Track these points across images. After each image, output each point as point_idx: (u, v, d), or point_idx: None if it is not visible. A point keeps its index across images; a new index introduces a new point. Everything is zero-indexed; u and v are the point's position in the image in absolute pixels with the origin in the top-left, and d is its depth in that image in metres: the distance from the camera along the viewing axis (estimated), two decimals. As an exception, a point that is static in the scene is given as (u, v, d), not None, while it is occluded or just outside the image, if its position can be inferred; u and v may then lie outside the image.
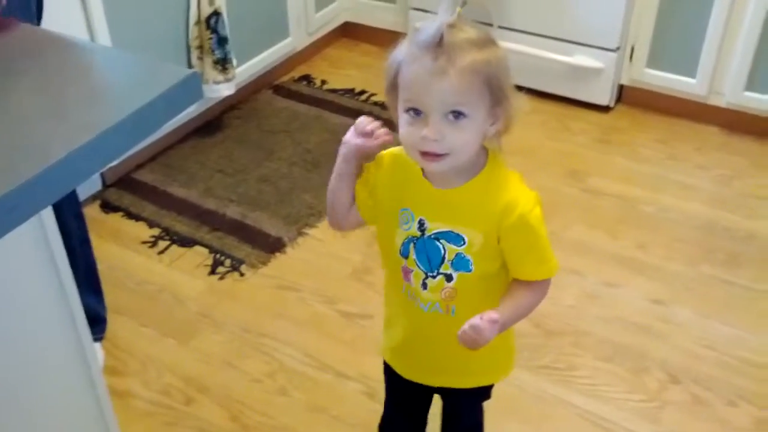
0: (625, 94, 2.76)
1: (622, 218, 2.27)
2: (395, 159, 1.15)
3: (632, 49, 2.62)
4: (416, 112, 1.02)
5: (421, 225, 1.12)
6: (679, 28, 2.51)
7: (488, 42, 1.03)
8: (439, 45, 0.99)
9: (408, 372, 1.30)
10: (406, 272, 1.16)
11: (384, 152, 1.16)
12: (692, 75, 2.55)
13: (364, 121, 1.13)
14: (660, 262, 2.11)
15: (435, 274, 1.13)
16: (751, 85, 2.48)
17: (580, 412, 1.72)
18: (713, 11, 2.42)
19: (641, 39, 2.59)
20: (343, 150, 1.16)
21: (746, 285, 2.04)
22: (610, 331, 1.92)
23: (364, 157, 1.16)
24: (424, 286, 1.15)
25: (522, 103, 1.06)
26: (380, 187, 1.16)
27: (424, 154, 1.04)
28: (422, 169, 1.11)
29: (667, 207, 2.31)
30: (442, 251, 1.11)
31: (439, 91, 1.00)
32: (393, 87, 1.06)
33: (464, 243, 1.10)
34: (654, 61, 2.61)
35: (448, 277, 1.13)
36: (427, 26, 1.01)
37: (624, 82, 2.70)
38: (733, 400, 1.74)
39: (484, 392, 1.36)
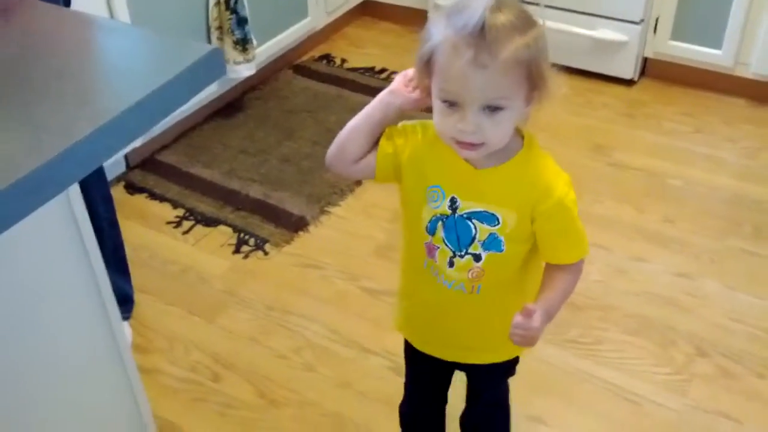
0: (649, 67, 2.72)
1: (648, 192, 2.25)
2: (431, 134, 1.10)
3: (656, 21, 2.58)
4: (452, 103, 0.99)
5: (453, 203, 1.09)
6: (705, -2, 2.47)
7: (529, 21, 0.98)
8: (480, 34, 0.94)
9: (425, 345, 1.29)
10: (431, 249, 1.14)
11: (421, 123, 1.12)
12: (718, 46, 2.51)
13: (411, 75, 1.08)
14: (686, 236, 2.09)
15: (463, 253, 1.11)
16: (778, 55, 2.43)
17: (607, 386, 1.71)
18: (739, -20, 2.38)
19: (665, 11, 2.54)
20: (388, 98, 1.10)
21: (775, 257, 2.01)
22: (636, 305, 1.90)
23: (399, 114, 1.12)
24: (451, 264, 1.13)
25: (559, 82, 1.01)
26: (410, 157, 1.12)
27: (460, 143, 1.02)
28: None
29: (694, 180, 2.28)
30: (474, 231, 1.10)
31: (477, 87, 0.96)
32: (426, 69, 1.02)
33: (498, 223, 1.08)
34: (678, 33, 2.57)
35: (477, 257, 1.11)
36: (467, 9, 0.96)
37: (648, 54, 2.66)
38: (761, 372, 1.73)
39: (508, 368, 1.34)
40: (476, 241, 1.10)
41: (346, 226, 2.17)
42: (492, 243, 1.10)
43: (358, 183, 2.31)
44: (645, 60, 2.69)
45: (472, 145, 1.01)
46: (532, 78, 0.99)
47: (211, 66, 1.01)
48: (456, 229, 1.10)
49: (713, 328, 1.83)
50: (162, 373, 1.78)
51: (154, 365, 1.79)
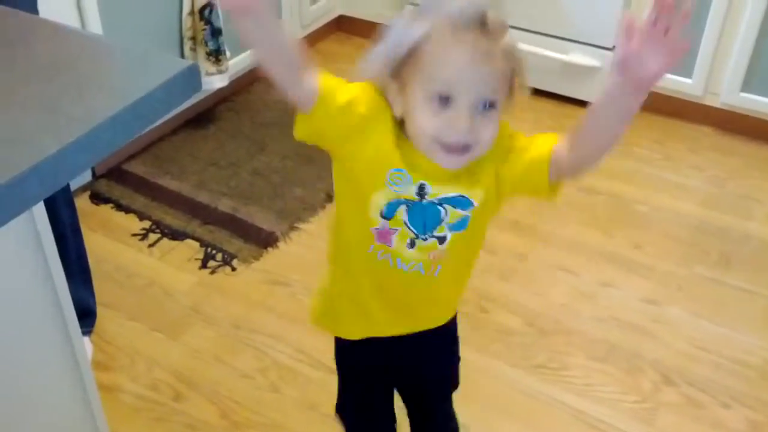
0: (620, 93, 2.74)
1: (616, 217, 2.27)
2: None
3: (628, 48, 2.60)
4: (444, 99, 0.93)
5: (421, 190, 1.01)
6: (676, 27, 2.50)
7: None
8: (482, 21, 0.91)
9: (363, 331, 1.20)
10: (385, 233, 1.05)
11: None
12: (688, 75, 2.55)
13: None
14: (653, 262, 2.11)
15: (427, 236, 1.05)
16: (746, 87, 2.47)
17: (573, 413, 1.71)
18: (710, 12, 2.42)
19: (637, 38, 2.57)
20: None
21: (739, 286, 2.03)
22: (603, 331, 1.91)
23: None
24: (412, 245, 1.05)
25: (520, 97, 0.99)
26: (373, 132, 0.99)
27: (447, 147, 0.95)
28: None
29: (661, 207, 2.31)
30: (443, 214, 1.03)
31: (478, 78, 0.92)
32: (399, 71, 0.95)
33: (471, 207, 1.02)
34: (650, 61, 2.59)
35: (441, 240, 1.05)
36: (461, 3, 0.93)
37: (619, 80, 2.69)
38: (726, 402, 1.74)
39: (454, 380, 1.31)
40: (443, 223, 1.04)
41: (316, 243, 2.15)
42: (460, 224, 1.04)
43: (329, 200, 2.29)
44: (616, 86, 2.72)
45: (461, 150, 0.95)
46: (513, 81, 0.97)
47: (188, 82, 0.99)
48: (423, 214, 1.03)
49: (679, 355, 1.84)
50: (122, 391, 1.73)
51: (114, 383, 1.75)
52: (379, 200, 1.02)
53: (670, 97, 2.63)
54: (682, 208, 2.30)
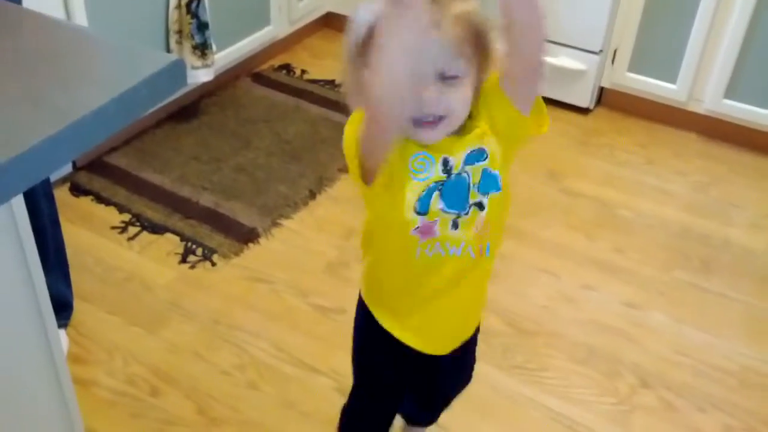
0: (605, 97, 2.76)
1: (599, 221, 2.27)
2: None
3: (615, 53, 2.62)
4: None
5: (446, 165, 1.03)
6: (662, 33, 2.52)
7: None
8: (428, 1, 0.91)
9: (426, 346, 1.20)
10: (426, 228, 1.05)
11: None
12: (673, 81, 2.56)
13: None
14: (635, 267, 2.11)
15: (467, 210, 1.05)
16: (730, 94, 2.49)
17: (551, 414, 1.71)
18: (696, 19, 2.43)
19: (624, 43, 2.59)
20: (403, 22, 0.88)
21: (720, 292, 2.05)
22: (583, 333, 1.91)
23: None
24: (455, 226, 1.06)
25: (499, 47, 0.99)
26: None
27: (420, 122, 0.97)
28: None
29: (644, 211, 2.32)
30: (467, 178, 1.04)
31: (434, 51, 0.94)
32: (362, 56, 0.96)
33: (486, 155, 1.04)
34: (636, 66, 2.61)
35: (480, 206, 1.06)
36: None
37: (605, 85, 2.70)
38: (702, 407, 1.75)
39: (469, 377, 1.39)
40: (472, 187, 1.05)
41: (298, 241, 2.14)
42: (488, 181, 1.05)
43: (312, 196, 2.28)
44: (602, 90, 2.73)
45: (433, 122, 0.97)
46: (483, 44, 0.97)
47: (173, 76, 0.98)
48: (455, 190, 1.04)
49: (658, 360, 1.85)
50: (98, 385, 1.71)
51: (90, 377, 1.73)
52: (409, 197, 1.03)
53: (654, 103, 2.64)
54: (664, 213, 2.31)
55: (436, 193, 1.03)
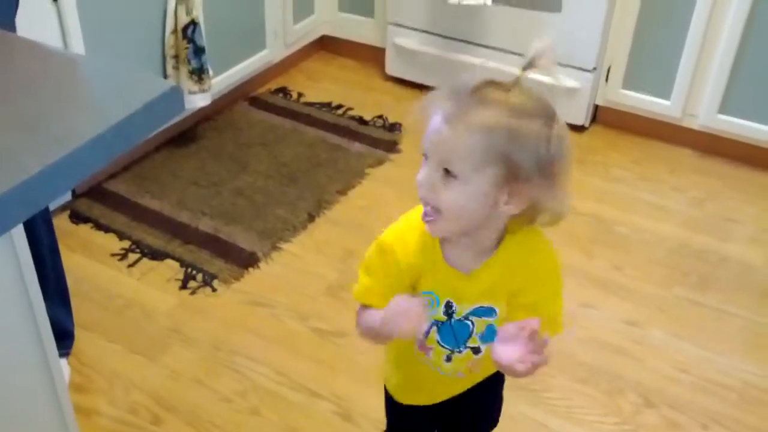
0: (600, 115, 2.77)
1: (596, 238, 2.28)
2: (422, 239, 1.03)
3: (608, 70, 2.64)
4: (425, 157, 0.96)
5: (449, 308, 1.06)
6: (655, 50, 2.54)
7: (533, 114, 0.93)
8: (465, 93, 0.92)
9: (416, 400, 1.28)
10: (425, 348, 1.11)
11: (407, 222, 1.05)
12: (667, 97, 2.58)
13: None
14: (634, 284, 2.12)
15: (462, 349, 1.09)
16: (724, 109, 2.50)
17: (554, 435, 1.71)
18: (689, 35, 2.45)
19: (617, 60, 2.61)
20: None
21: (718, 307, 2.05)
22: (585, 353, 1.91)
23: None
24: (449, 360, 1.12)
25: (565, 202, 0.97)
26: (405, 268, 1.05)
27: (424, 215, 0.98)
28: (442, 253, 1.03)
29: (641, 228, 2.32)
30: (471, 327, 1.07)
31: (438, 139, 0.93)
32: None
33: (496, 315, 1.06)
34: (630, 83, 2.63)
35: (476, 350, 1.09)
36: (470, 76, 0.95)
37: (599, 102, 2.72)
38: (705, 423, 1.74)
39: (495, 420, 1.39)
40: (474, 334, 1.08)
41: (297, 264, 2.14)
42: (489, 334, 1.07)
43: (311, 219, 2.28)
44: (596, 107, 2.75)
45: (430, 215, 0.97)
46: (506, 164, 0.92)
47: (170, 103, 0.99)
48: (453, 331, 1.08)
49: (660, 377, 1.85)
50: (100, 414, 1.71)
51: (92, 406, 1.72)
52: None
53: (649, 119, 2.66)
54: (661, 230, 2.32)
55: (434, 328, 1.08)
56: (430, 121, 0.95)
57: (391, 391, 1.29)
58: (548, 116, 0.95)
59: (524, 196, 0.95)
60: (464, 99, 0.92)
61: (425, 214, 0.98)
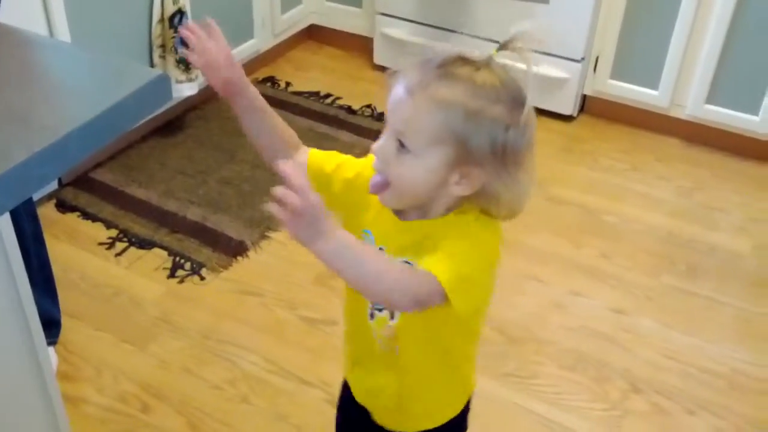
0: (588, 105, 2.78)
1: (584, 227, 2.29)
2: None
3: (596, 60, 2.64)
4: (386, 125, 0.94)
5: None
6: (643, 40, 2.55)
7: (498, 97, 0.88)
8: (433, 67, 0.89)
9: (356, 392, 1.20)
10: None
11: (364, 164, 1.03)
12: (655, 87, 2.59)
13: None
14: (622, 272, 2.13)
15: (381, 308, 1.03)
16: (711, 98, 2.52)
17: (543, 421, 1.72)
18: (676, 25, 2.46)
19: (606, 50, 2.61)
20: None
21: (706, 295, 2.06)
22: (573, 340, 1.92)
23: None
24: (371, 316, 1.05)
25: (520, 195, 0.93)
26: (354, 193, 1.03)
27: (372, 184, 0.95)
28: None
29: (629, 217, 2.33)
30: None
31: (396, 108, 0.91)
32: None
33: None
34: (618, 73, 2.63)
35: (392, 314, 1.02)
36: (445, 48, 0.91)
37: (588, 92, 2.72)
38: (692, 410, 1.76)
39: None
40: None
41: (286, 253, 2.14)
42: None
43: (300, 209, 2.27)
44: (584, 97, 2.75)
45: (380, 184, 0.94)
46: (459, 145, 0.89)
47: (158, 91, 0.98)
48: None
49: (648, 365, 1.86)
50: (88, 402, 1.70)
51: (80, 394, 1.72)
52: None
53: (637, 109, 2.67)
54: (650, 219, 2.33)
55: None
56: (393, 90, 0.92)
57: (344, 372, 1.22)
58: (515, 101, 0.90)
59: (475, 179, 0.91)
60: (430, 71, 0.89)
61: (374, 184, 0.95)
